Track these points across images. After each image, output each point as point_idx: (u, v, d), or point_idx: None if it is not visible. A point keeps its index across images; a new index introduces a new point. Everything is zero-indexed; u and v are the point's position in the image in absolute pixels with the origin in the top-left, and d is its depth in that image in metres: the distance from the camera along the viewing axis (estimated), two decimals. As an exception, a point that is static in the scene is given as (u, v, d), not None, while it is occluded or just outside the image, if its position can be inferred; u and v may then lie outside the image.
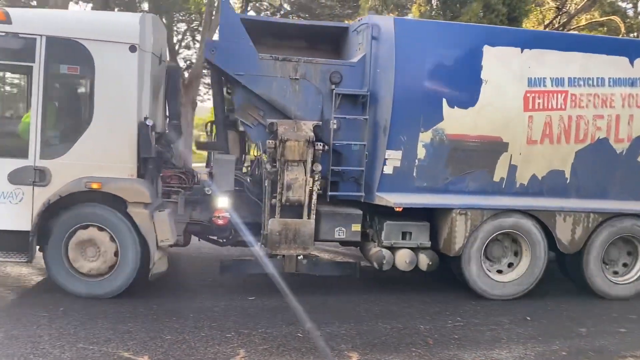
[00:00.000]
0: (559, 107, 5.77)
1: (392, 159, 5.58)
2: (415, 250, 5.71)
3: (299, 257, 5.52)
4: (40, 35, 4.90)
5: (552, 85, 5.73)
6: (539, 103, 5.72)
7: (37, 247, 5.05)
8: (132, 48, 5.04)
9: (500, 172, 5.78)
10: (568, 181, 5.92)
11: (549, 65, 5.72)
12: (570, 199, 5.94)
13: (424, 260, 5.67)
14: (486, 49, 5.58)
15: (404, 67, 5.48)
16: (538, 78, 5.69)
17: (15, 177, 4.90)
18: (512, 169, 5.79)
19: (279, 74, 5.57)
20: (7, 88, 5.51)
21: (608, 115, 5.86)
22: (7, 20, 4.91)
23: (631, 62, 5.88)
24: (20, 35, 4.88)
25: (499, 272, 5.98)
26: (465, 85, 5.60)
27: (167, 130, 6.13)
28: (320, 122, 5.59)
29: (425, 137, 5.58)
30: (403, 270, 5.70)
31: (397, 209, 5.57)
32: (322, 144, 5.46)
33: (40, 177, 4.93)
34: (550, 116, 5.76)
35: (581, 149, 5.87)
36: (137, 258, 5.10)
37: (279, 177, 5.34)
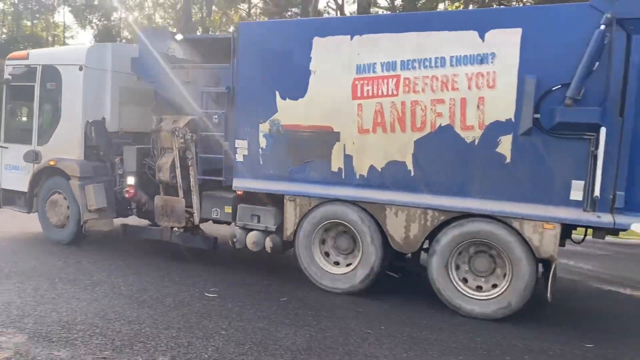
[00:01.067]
0: (390, 93, 5.37)
1: (241, 148, 6.22)
2: (265, 232, 6.22)
3: (174, 229, 6.80)
4: (39, 65, 7.64)
5: (382, 71, 5.39)
6: (367, 90, 5.47)
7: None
8: (80, 68, 7.29)
9: (336, 162, 5.74)
10: (412, 174, 5.41)
11: (381, 50, 5.39)
12: (421, 194, 5.40)
13: (268, 243, 6.17)
14: (315, 40, 5.67)
15: (247, 64, 6.13)
16: (367, 64, 5.45)
17: (26, 157, 7.73)
18: (348, 159, 5.68)
19: (176, 80, 6.93)
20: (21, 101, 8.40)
21: (450, 99, 5.13)
22: (27, 57, 7.87)
23: (481, 36, 4.99)
24: (31, 65, 7.72)
25: (336, 263, 5.91)
26: (296, 78, 5.79)
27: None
28: (195, 117, 6.70)
29: (264, 127, 6.04)
30: (251, 250, 6.29)
31: (239, 193, 6.26)
32: (191, 135, 6.61)
33: (36, 157, 7.63)
34: (381, 103, 5.41)
35: (420, 138, 5.32)
36: (77, 215, 7.30)
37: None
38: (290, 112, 5.89)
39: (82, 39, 42.82)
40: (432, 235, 5.36)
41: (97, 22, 30.63)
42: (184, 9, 24.46)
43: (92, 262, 6.75)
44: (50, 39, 33.32)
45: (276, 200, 6.20)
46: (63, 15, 39.15)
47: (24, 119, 8.59)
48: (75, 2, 31.28)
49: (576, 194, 4.79)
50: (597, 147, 4.62)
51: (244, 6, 28.61)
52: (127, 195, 7.06)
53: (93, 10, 29.96)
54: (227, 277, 6.39)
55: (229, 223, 6.89)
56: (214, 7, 28.02)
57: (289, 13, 22.66)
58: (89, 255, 7.08)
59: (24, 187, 7.76)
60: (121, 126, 7.78)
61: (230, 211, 6.49)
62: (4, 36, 31.84)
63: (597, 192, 4.64)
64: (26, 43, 26.29)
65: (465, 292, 5.24)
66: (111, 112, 7.59)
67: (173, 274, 6.36)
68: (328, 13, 20.96)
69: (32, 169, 7.69)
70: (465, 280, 5.31)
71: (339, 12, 18.72)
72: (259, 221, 6.27)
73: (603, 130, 4.56)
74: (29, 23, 35.50)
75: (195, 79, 6.82)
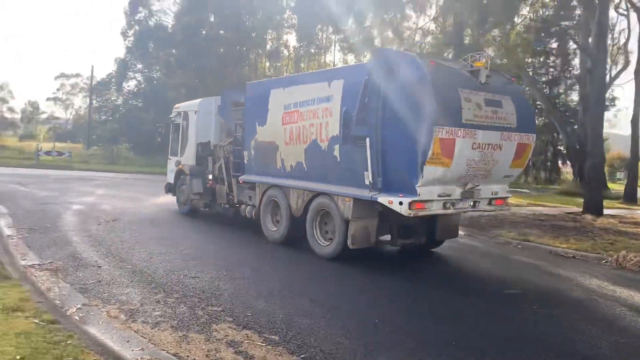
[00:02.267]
0: (294, 121, 9.01)
1: (246, 157, 10.39)
2: (252, 206, 10.54)
3: (222, 204, 11.64)
4: (181, 111, 13.47)
5: (292, 108, 9.07)
6: (287, 119, 9.18)
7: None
8: (195, 112, 12.77)
9: (278, 162, 9.51)
10: (306, 169, 8.97)
11: (294, 96, 9.08)
12: (308, 182, 8.95)
13: (249, 212, 10.57)
14: (272, 92, 9.68)
15: (248, 107, 10.47)
16: (287, 104, 9.21)
17: (176, 164, 13.60)
18: (282, 160, 9.42)
19: (233, 117, 11.69)
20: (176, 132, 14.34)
21: (317, 123, 8.52)
22: (179, 107, 13.89)
23: (329, 84, 8.35)
24: (179, 111, 13.66)
25: (276, 223, 9.92)
26: (263, 113, 9.75)
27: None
28: (233, 139, 11.31)
29: (252, 143, 10.21)
30: (246, 216, 10.70)
31: (241, 182, 10.66)
32: (230, 149, 11.34)
33: (178, 164, 13.31)
34: (292, 127, 9.06)
35: (306, 147, 8.82)
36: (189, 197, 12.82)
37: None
38: (262, 133, 9.88)
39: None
40: (306, 206, 8.89)
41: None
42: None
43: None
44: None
45: (255, 187, 10.39)
46: (333, 55, 46.60)
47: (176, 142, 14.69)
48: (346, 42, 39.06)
49: (367, 180, 7.59)
50: (367, 152, 7.45)
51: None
52: (208, 185, 12.13)
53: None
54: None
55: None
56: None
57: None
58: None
59: (172, 180, 13.71)
60: (218, 141, 12.28)
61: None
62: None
63: (369, 179, 7.52)
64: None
65: (318, 239, 8.82)
66: (213, 137, 12.73)
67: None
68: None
69: (174, 168, 13.48)
70: (319, 232, 8.83)
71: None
72: (249, 199, 10.62)
73: (367, 141, 7.43)
74: (303, 65, 46.46)
75: (239, 116, 11.48)
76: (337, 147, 8.09)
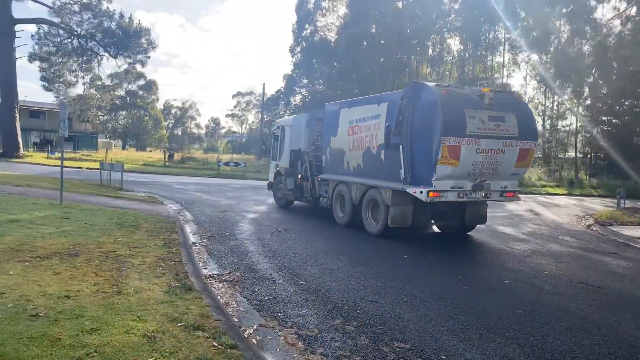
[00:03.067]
0: (355, 133, 11.96)
1: (326, 155, 13.42)
2: (327, 198, 13.47)
3: (306, 197, 14.72)
4: (280, 126, 17.03)
5: (354, 123, 12.00)
6: (351, 132, 12.13)
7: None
8: (289, 126, 16.15)
9: (345, 164, 12.48)
10: (363, 169, 11.78)
11: (356, 114, 12.06)
12: (364, 178, 11.76)
13: (326, 203, 13.61)
14: (341, 111, 12.75)
15: (325, 122, 13.73)
16: (352, 120, 12.15)
17: (275, 166, 16.61)
18: (347, 162, 12.37)
19: (316, 129, 14.90)
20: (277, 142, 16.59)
21: (370, 135, 11.35)
22: (278, 123, 18.02)
23: (378, 106, 11.23)
24: (278, 125, 17.28)
25: (342, 208, 12.83)
26: (335, 127, 12.81)
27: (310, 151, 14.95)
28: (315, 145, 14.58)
29: (327, 149, 13.35)
30: (324, 206, 13.68)
31: (319, 179, 13.81)
32: (313, 153, 14.39)
33: (277, 166, 16.35)
34: (354, 137, 12.00)
35: (363, 152, 11.67)
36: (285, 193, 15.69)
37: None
38: (335, 142, 12.92)
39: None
40: (362, 197, 11.70)
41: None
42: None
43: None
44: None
45: (328, 183, 13.30)
46: (503, 56, 45.08)
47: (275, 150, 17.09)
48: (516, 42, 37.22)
49: (401, 176, 10.22)
50: (401, 155, 10.17)
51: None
52: (298, 183, 14.93)
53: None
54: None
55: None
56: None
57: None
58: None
59: (272, 180, 16.73)
60: (305, 148, 15.07)
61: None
62: (451, 81, 40.96)
63: (403, 174, 10.21)
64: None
65: (370, 221, 11.61)
66: (302, 145, 15.16)
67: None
68: None
69: (273, 169, 16.55)
70: (370, 215, 11.60)
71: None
72: (325, 193, 13.50)
73: (401, 148, 10.16)
74: (467, 69, 44.87)
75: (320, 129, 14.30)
76: (382, 152, 10.94)
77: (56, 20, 37.21)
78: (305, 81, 52.01)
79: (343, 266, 8.19)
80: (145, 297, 5.63)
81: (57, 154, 44.86)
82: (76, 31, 37.57)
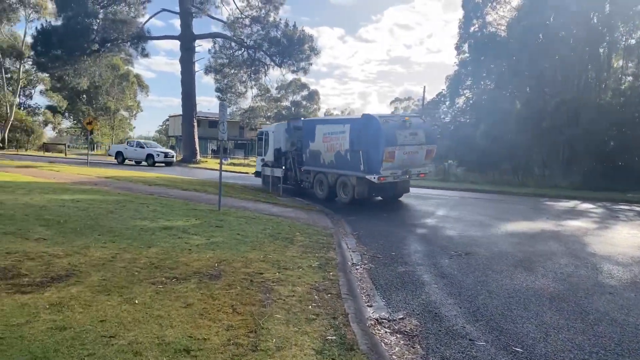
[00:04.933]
0: (328, 141, 17.35)
1: (306, 154, 18.72)
2: (309, 183, 19.37)
3: (290, 183, 20.35)
4: (264, 131, 22.21)
5: (327, 135, 17.43)
6: (325, 140, 17.51)
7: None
8: (272, 131, 21.35)
9: (321, 160, 17.88)
10: (335, 164, 17.20)
11: (328, 129, 17.49)
12: (336, 169, 17.23)
13: (306, 186, 19.83)
14: (317, 126, 18.21)
15: (305, 133, 19.14)
16: (325, 132, 17.53)
17: (262, 161, 21.48)
18: (323, 159, 17.76)
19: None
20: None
21: (339, 142, 16.86)
22: (262, 129, 23.50)
23: (344, 125, 16.87)
24: (264, 131, 22.32)
25: (320, 191, 18.57)
26: (312, 136, 18.17)
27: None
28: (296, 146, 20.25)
29: (307, 150, 18.57)
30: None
31: (302, 170, 19.32)
32: (295, 150, 20.01)
33: (263, 160, 21.32)
34: (327, 144, 17.42)
35: (335, 153, 17.13)
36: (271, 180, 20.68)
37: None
38: (311, 146, 18.28)
39: None
40: (336, 181, 17.49)
41: None
42: None
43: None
44: None
45: (310, 172, 18.83)
46: None
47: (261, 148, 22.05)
48: None
49: (362, 168, 15.87)
50: (361, 156, 15.92)
51: None
52: (283, 172, 19.35)
53: None
54: None
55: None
56: None
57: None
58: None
59: (259, 169, 21.70)
60: (286, 150, 20.35)
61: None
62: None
63: (362, 167, 15.88)
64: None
65: (342, 196, 17.28)
66: (283, 146, 20.32)
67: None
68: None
69: (260, 163, 21.58)
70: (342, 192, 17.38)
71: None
72: (306, 179, 19.06)
73: (360, 152, 15.95)
74: None
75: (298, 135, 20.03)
76: (348, 153, 16.56)
77: (229, 33, 39.61)
78: (468, 82, 47.90)
79: (574, 323, 5.55)
80: (290, 358, 3.89)
81: (229, 160, 48.11)
82: (246, 42, 39.52)
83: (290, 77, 46.99)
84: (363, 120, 15.93)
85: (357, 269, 7.68)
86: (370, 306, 5.85)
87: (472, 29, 43.17)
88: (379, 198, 18.22)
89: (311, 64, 39.59)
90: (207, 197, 15.53)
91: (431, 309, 5.77)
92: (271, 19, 39.38)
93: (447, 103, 49.00)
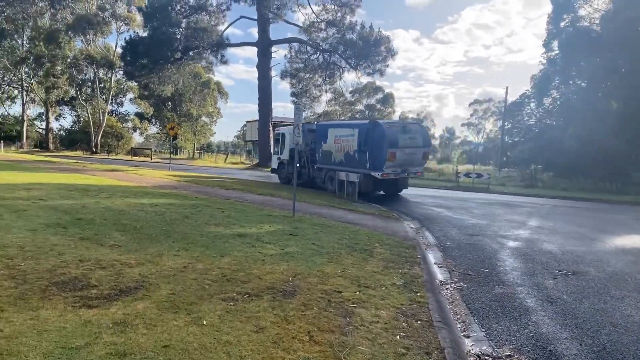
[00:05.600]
0: (339, 142, 20.26)
1: (319, 154, 21.73)
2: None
3: (304, 179, 23.45)
4: (280, 132, 24.99)
5: (339, 137, 20.31)
6: (336, 141, 20.41)
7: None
8: (288, 133, 23.88)
9: (332, 159, 20.71)
10: (344, 162, 19.92)
11: (339, 132, 20.44)
12: (345, 167, 19.78)
13: (318, 182, 23.16)
14: (329, 129, 21.11)
15: (318, 135, 21.94)
16: (337, 135, 20.61)
17: (277, 157, 24.93)
18: (334, 158, 20.55)
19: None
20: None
21: (348, 144, 19.70)
22: (279, 130, 25.44)
23: (353, 129, 19.76)
24: (280, 132, 24.96)
25: (331, 185, 21.50)
26: (325, 138, 21.14)
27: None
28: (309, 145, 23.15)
29: (320, 150, 21.67)
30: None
31: (315, 167, 22.50)
32: (308, 150, 22.64)
33: (279, 158, 24.70)
34: (338, 145, 20.27)
35: (344, 153, 19.93)
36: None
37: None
38: (324, 146, 21.27)
39: None
40: (345, 177, 19.21)
41: None
42: None
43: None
44: None
45: (322, 169, 21.86)
46: None
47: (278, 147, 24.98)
48: None
49: (368, 166, 18.71)
50: (367, 156, 18.85)
51: None
52: (298, 169, 22.05)
53: None
54: None
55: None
56: None
57: None
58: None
59: (276, 167, 25.23)
60: (300, 149, 21.54)
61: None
62: None
63: (368, 165, 18.71)
64: None
65: (348, 190, 19.50)
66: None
67: None
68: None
69: (277, 161, 24.98)
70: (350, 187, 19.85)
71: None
72: (319, 175, 22.14)
73: (367, 152, 18.84)
74: None
75: (312, 137, 23.00)
76: (356, 154, 19.16)
77: (305, 38, 39.70)
78: (556, 82, 44.53)
79: None
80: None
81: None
82: (321, 46, 39.38)
83: (365, 80, 46.31)
84: (370, 125, 18.96)
85: (446, 289, 6.81)
86: (468, 337, 4.99)
87: (563, 24, 40.05)
88: (378, 192, 21.51)
89: (387, 66, 38.69)
90: (282, 202, 15.19)
91: (543, 345, 4.81)
92: (347, 21, 38.97)
93: (532, 104, 45.89)
